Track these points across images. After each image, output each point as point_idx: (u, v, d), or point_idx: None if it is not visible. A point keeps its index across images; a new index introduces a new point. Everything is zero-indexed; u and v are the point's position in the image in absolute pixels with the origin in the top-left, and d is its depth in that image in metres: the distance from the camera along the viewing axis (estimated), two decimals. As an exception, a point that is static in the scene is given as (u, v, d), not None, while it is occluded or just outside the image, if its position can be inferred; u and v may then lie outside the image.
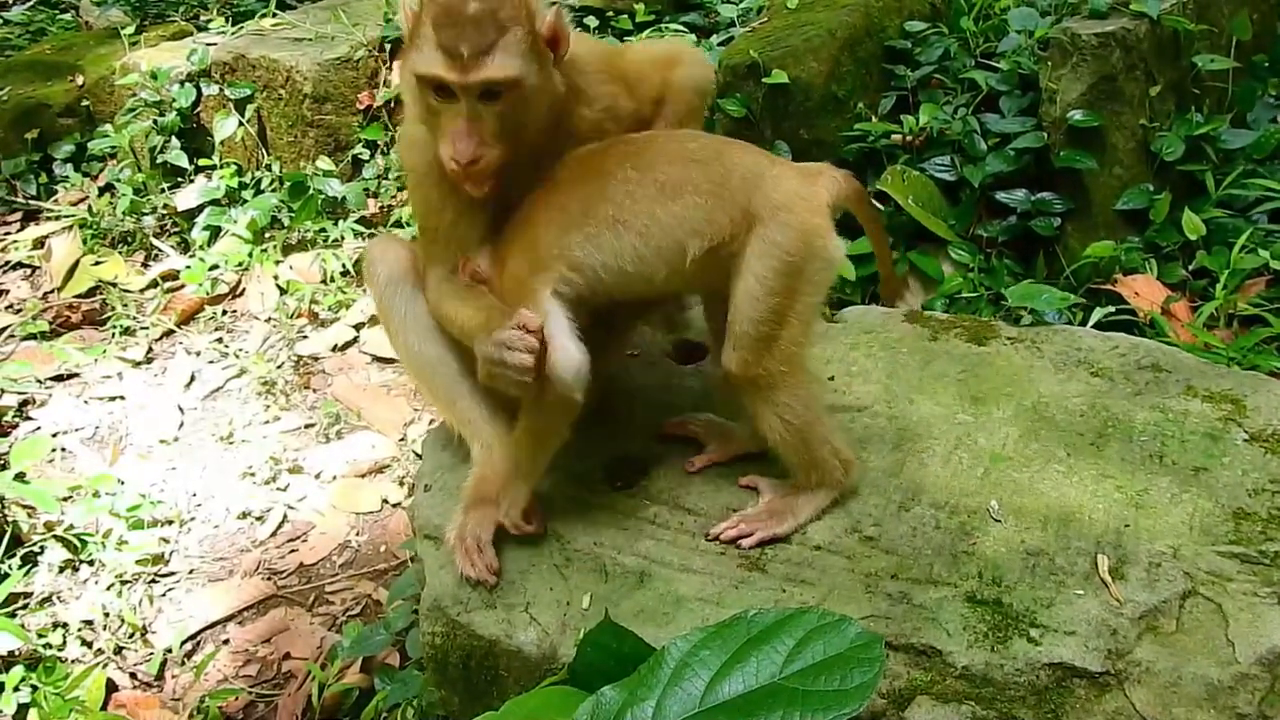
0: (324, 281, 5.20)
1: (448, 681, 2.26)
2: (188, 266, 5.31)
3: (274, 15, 6.14)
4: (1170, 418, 2.32)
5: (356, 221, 5.29)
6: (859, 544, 2.14)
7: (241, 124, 5.47)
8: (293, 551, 3.99)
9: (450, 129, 2.12)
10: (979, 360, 2.50)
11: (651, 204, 2.14)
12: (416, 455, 4.27)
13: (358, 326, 4.97)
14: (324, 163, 5.38)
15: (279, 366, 4.81)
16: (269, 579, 3.87)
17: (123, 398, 4.72)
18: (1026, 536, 2.10)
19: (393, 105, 5.62)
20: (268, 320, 5.11)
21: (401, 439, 4.39)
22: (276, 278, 5.23)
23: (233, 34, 5.86)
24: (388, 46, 5.71)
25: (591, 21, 6.37)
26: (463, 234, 2.30)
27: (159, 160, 5.68)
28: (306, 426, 4.52)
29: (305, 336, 4.97)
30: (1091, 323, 3.62)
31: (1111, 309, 4.08)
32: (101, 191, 5.85)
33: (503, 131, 2.15)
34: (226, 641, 3.66)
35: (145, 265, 5.52)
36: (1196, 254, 4.26)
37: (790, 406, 2.14)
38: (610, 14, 6.49)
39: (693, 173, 2.17)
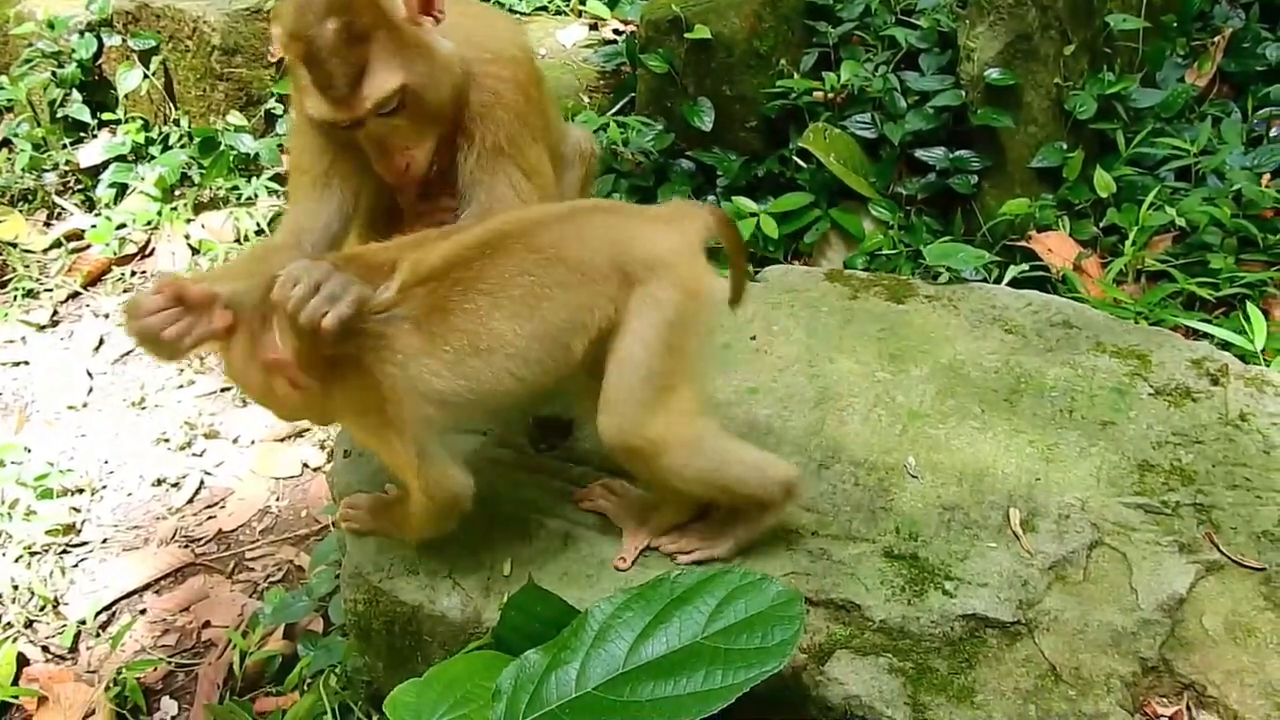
0: (238, 241, 5.06)
1: (371, 648, 2.24)
2: (93, 226, 5.14)
3: (179, -36, 5.90)
4: (1080, 374, 2.38)
5: (271, 179, 5.14)
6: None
7: (147, 77, 5.28)
8: (211, 518, 3.91)
9: (370, 151, 2.13)
10: (898, 319, 2.53)
11: (513, 322, 1.94)
12: (337, 418, 4.22)
13: (274, 287, 4.85)
14: (235, 118, 5.22)
15: (192, 329, 4.68)
16: (186, 546, 3.80)
17: (27, 363, 4.57)
18: (942, 492, 2.14)
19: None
20: (179, 281, 4.96)
21: (321, 402, 4.32)
22: (188, 237, 5.07)
23: (135, -17, 5.62)
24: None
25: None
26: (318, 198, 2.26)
27: (59, 114, 5.46)
28: (222, 390, 4.42)
29: (219, 298, 4.84)
30: (1006, 280, 3.69)
31: (1026, 266, 4.16)
32: (-2, 147, 5.63)
33: (417, 128, 2.13)
34: (143, 611, 3.59)
35: (48, 224, 5.32)
36: (1107, 211, 4.36)
37: (689, 465, 1.99)
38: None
39: (551, 272, 1.95)
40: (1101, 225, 4.37)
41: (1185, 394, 2.31)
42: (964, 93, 4.53)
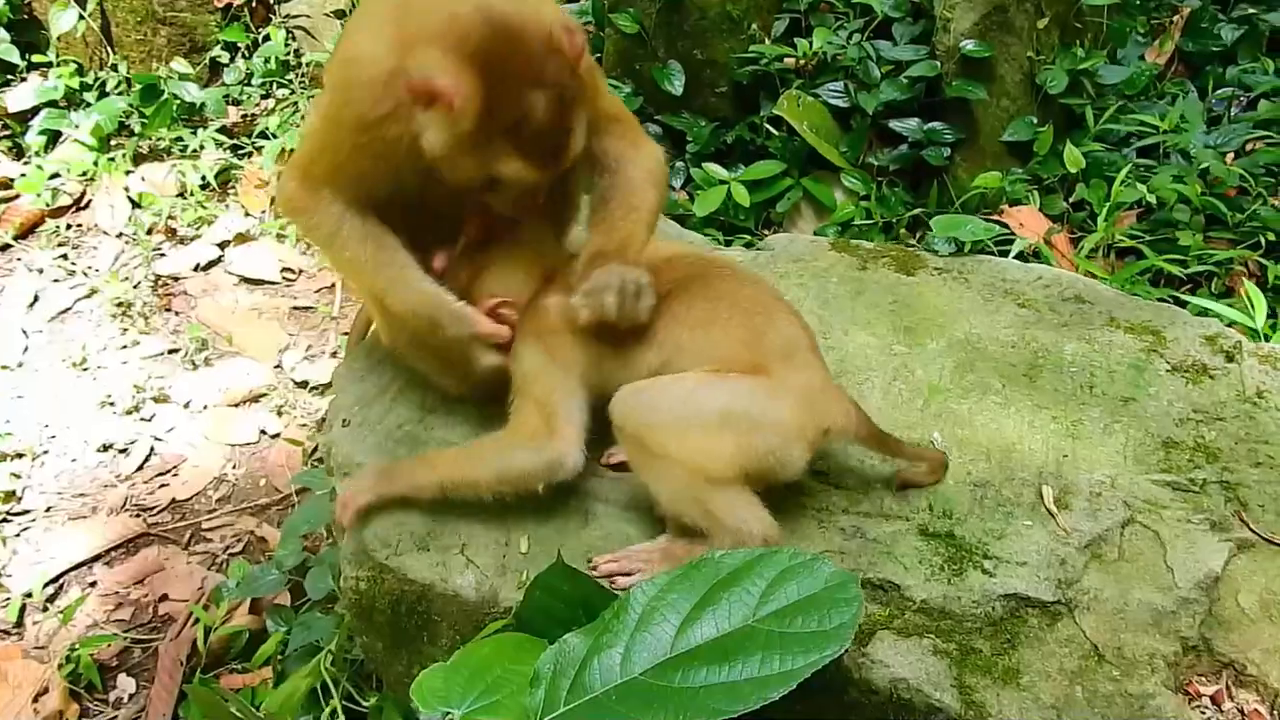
0: (181, 195, 4.82)
1: (372, 628, 2.13)
2: (23, 174, 4.84)
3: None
4: (1096, 349, 2.36)
5: (219, 130, 4.90)
6: (810, 479, 2.10)
7: (82, 17, 4.96)
8: (163, 486, 3.73)
9: (508, 201, 2.08)
10: (909, 291, 2.48)
11: (684, 329, 2.03)
12: (296, 384, 4.05)
13: (222, 245, 4.64)
14: (180, 65, 4.95)
15: (135, 287, 4.46)
16: (138, 516, 3.61)
17: (-45, 320, 4.30)
18: (971, 469, 2.10)
19: (253, 4, 5.22)
20: (119, 236, 4.71)
21: (277, 366, 4.14)
22: (127, 190, 4.81)
23: (66, -83, 5.28)
24: (248, -62, 5.27)
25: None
26: (370, 186, 2.12)
27: (-15, 55, 5.13)
28: (170, 352, 4.21)
29: (163, 254, 4.61)
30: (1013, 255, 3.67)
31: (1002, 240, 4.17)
32: (-84, 88, 5.26)
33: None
34: (94, 584, 3.41)
35: (-29, 173, 5.00)
36: (1076, 187, 4.37)
37: (683, 479, 1.93)
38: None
39: (734, 316, 2.03)
40: (1071, 201, 4.39)
41: (1202, 370, 2.30)
42: (939, 63, 4.50)
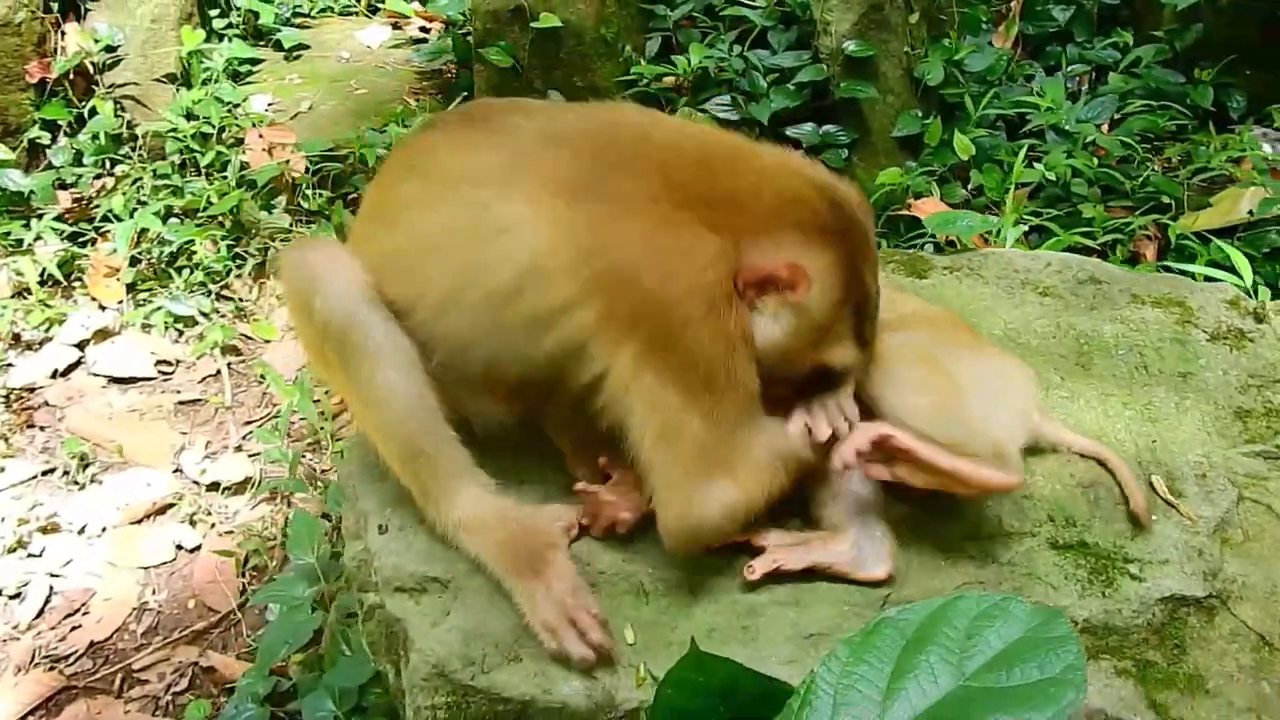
0: (19, 295, 4.26)
1: (453, 760, 1.82)
2: None
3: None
4: (1134, 328, 2.31)
5: (56, 219, 4.37)
6: (915, 508, 1.93)
7: None
8: (75, 629, 3.23)
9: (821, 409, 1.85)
10: (930, 293, 2.37)
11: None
12: (205, 487, 3.60)
13: (80, 345, 4.12)
14: (-1, 150, 4.39)
15: (-15, 405, 3.90)
16: (52, 668, 3.11)
17: None
18: (1072, 469, 2.00)
19: (72, 76, 4.70)
20: (-49, 351, 4.12)
21: (177, 470, 3.69)
22: (-49, 297, 4.22)
23: None
24: (54, 6, 4.75)
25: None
26: (750, 382, 1.80)
27: None
28: (45, 473, 3.69)
29: (11, 365, 4.05)
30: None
31: (914, 234, 4.17)
32: None
33: None
34: (19, 759, 2.90)
35: None
36: (970, 173, 4.42)
37: None
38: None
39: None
40: (969, 187, 4.44)
41: (1240, 335, 2.29)
42: (824, 67, 4.48)
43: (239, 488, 3.60)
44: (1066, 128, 4.50)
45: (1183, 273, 3.06)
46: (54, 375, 4.04)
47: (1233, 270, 2.93)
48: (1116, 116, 4.63)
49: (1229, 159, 4.27)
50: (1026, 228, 4.04)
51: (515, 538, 1.85)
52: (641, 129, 1.88)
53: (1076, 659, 1.48)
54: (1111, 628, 1.76)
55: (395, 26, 5.51)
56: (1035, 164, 4.28)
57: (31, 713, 3.00)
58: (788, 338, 1.80)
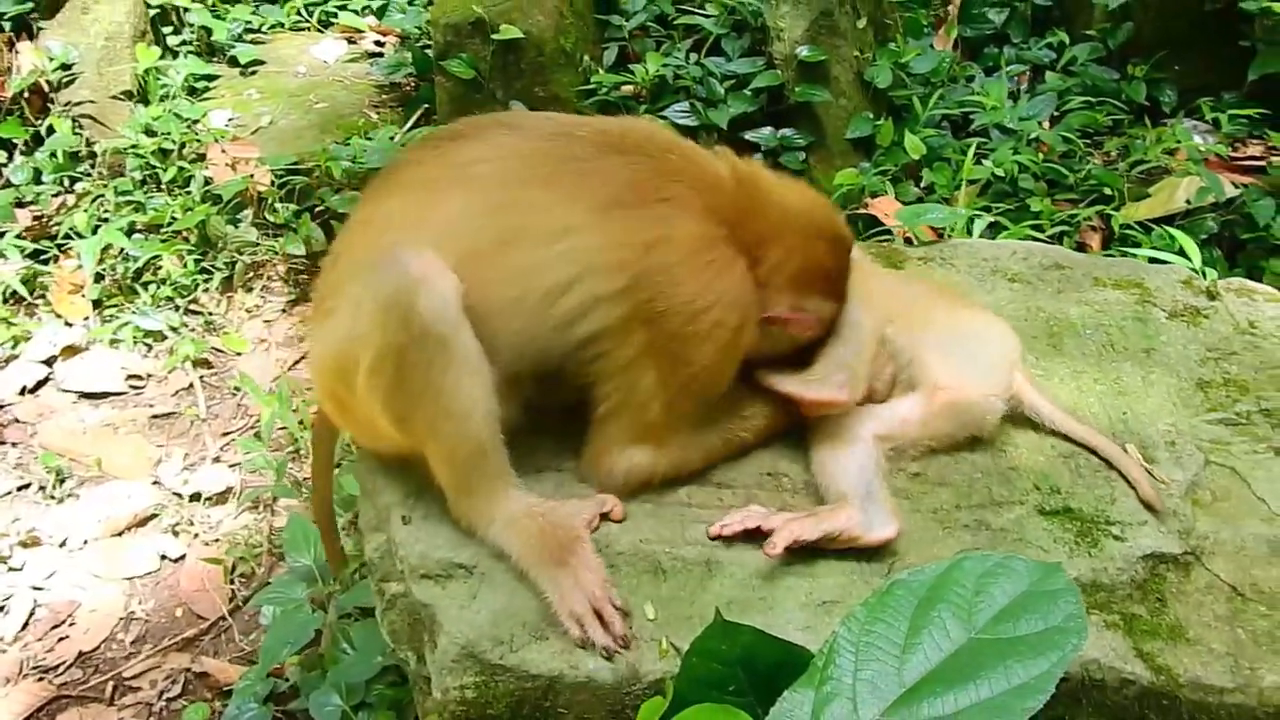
0: (-17, 315, 4.23)
1: (481, 741, 1.89)
2: None
3: None
4: (1097, 309, 2.45)
5: (18, 237, 4.34)
6: (909, 482, 2.06)
7: None
8: (62, 640, 3.24)
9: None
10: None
11: None
12: (187, 498, 3.62)
13: (48, 361, 4.11)
14: (-44, 171, 4.35)
15: (-46, 424, 3.87)
16: (41, 679, 3.12)
17: None
18: (1054, 441, 2.13)
19: (27, 95, 4.67)
20: (-85, 370, 4.08)
21: (155, 482, 3.70)
22: (-94, 323, 4.18)
23: None
24: (6, 25, 4.72)
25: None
26: (721, 387, 2.06)
27: None
28: (20, 489, 3.68)
29: (-23, 383, 4.02)
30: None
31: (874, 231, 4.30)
32: None
33: None
34: (15, 771, 2.90)
35: None
36: (922, 172, 4.58)
37: None
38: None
39: None
40: (921, 185, 4.59)
41: (1196, 312, 2.44)
42: (779, 72, 4.61)
43: (220, 498, 3.63)
44: (1010, 125, 4.67)
45: (1133, 257, 3.22)
46: (22, 392, 4.02)
47: (1181, 255, 3.10)
48: (1056, 113, 4.82)
49: (1164, 151, 4.48)
50: (982, 222, 4.20)
51: (544, 531, 1.93)
52: (667, 143, 2.08)
53: (1076, 608, 1.60)
54: (1099, 585, 1.89)
55: (350, 41, 5.54)
56: (983, 161, 4.44)
57: (25, 723, 3.01)
58: (779, 347, 2.11)
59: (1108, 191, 4.34)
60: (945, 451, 2.14)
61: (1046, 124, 4.80)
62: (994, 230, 4.29)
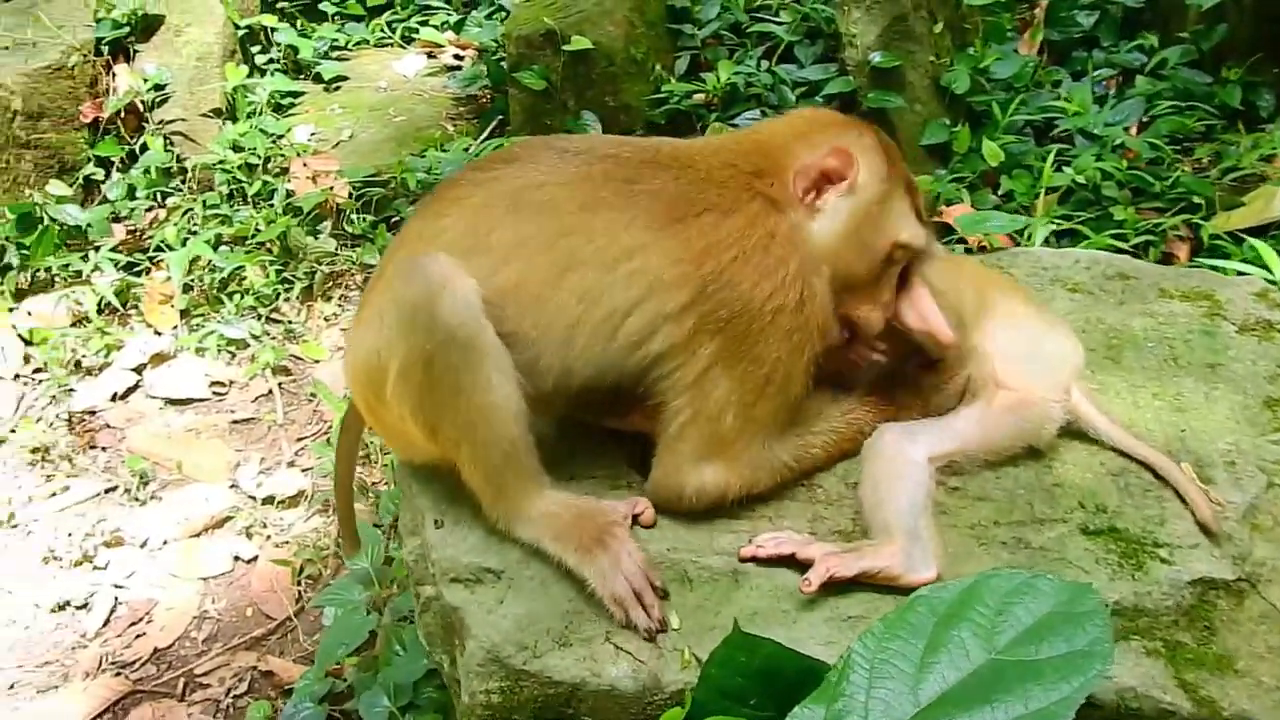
0: (79, 324, 4.43)
1: (506, 745, 1.90)
2: (-105, 333, 4.36)
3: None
4: (1162, 321, 2.36)
5: (113, 250, 4.53)
6: (947, 496, 2.01)
7: (-65, 154, 4.53)
8: (139, 637, 3.35)
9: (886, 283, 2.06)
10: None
11: None
12: (260, 501, 3.72)
13: (138, 369, 4.27)
14: (56, 187, 4.56)
15: (50, 428, 4.04)
16: (119, 674, 3.23)
17: None
18: (1103, 458, 2.05)
19: (123, 114, 4.87)
20: (16, 378, 4.28)
21: (233, 485, 3.81)
22: (15, 328, 4.38)
23: (-99, 48, 4.84)
24: (105, 49, 4.93)
25: (328, 7, 5.85)
26: (801, 389, 2.00)
27: None
28: (108, 491, 3.83)
29: (73, 390, 4.20)
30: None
31: (945, 240, 4.21)
32: None
33: None
34: (89, 760, 3.02)
35: None
36: (1000, 179, 4.47)
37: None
38: (338, -1, 5.98)
39: None
40: (999, 193, 4.48)
41: (1269, 326, 2.34)
42: (851, 79, 4.55)
43: (292, 501, 3.72)
44: (1095, 131, 4.54)
45: (1214, 269, 3.10)
46: (114, 398, 4.19)
47: (1265, 269, 2.96)
48: (1145, 119, 4.65)
49: (1260, 158, 4.29)
50: (1055, 229, 4.08)
51: (581, 519, 1.95)
52: (691, 150, 2.08)
53: (1103, 632, 1.54)
54: (1141, 609, 1.81)
55: (430, 55, 5.66)
56: (1064, 168, 4.32)
57: (100, 715, 3.12)
58: (856, 222, 2.00)
59: (1196, 200, 4.17)
60: (995, 466, 2.08)
61: (1134, 130, 4.64)
62: (1073, 239, 4.18)
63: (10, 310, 4.46)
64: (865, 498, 2.01)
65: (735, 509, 2.00)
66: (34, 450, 3.95)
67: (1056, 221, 4.21)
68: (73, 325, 4.42)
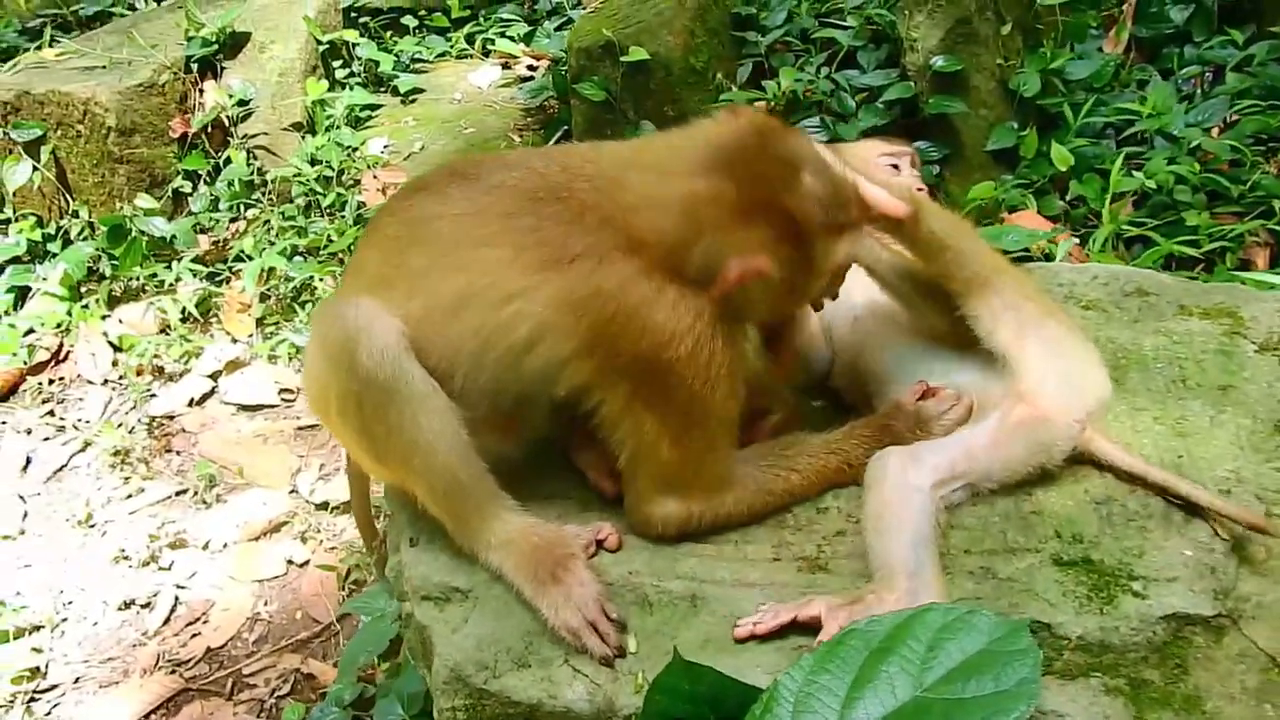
0: (163, 331, 4.66)
1: (474, 758, 1.95)
2: (-5, 336, 4.66)
3: (53, 44, 5.48)
4: (1176, 340, 2.26)
5: (194, 261, 4.76)
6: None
7: (36, 169, 4.83)
8: (195, 636, 3.52)
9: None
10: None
11: None
12: (315, 507, 3.86)
13: (214, 376, 4.48)
14: (144, 200, 4.81)
15: (130, 432, 4.28)
16: (173, 672, 3.40)
17: (-52, 495, 4.09)
18: (1088, 485, 1.98)
19: (209, 129, 5.11)
20: (105, 383, 4.54)
21: (292, 491, 3.96)
22: (106, 335, 4.65)
23: (9, 70, 5.17)
24: (194, 66, 5.18)
25: (410, 21, 6.01)
26: (730, 411, 1.97)
27: (-62, 222, 4.98)
28: (178, 494, 4.03)
29: (154, 395, 4.43)
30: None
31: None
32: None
33: None
34: (139, 753, 3.19)
35: (-57, 342, 4.81)
36: (1069, 184, 4.32)
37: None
38: (423, 12, 6.14)
39: None
40: (1067, 199, 4.33)
41: (1291, 347, 2.21)
42: (912, 84, 4.47)
43: (345, 507, 3.84)
44: (1174, 132, 4.34)
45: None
46: (190, 404, 4.40)
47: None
48: (1230, 118, 4.43)
49: (1349, 159, 4.05)
50: (1124, 235, 3.93)
51: (538, 550, 1.98)
52: (569, 174, 1.99)
53: (1031, 672, 1.50)
54: (1107, 645, 1.74)
55: (505, 66, 5.76)
56: (1136, 172, 4.15)
57: (153, 712, 3.29)
58: (790, 291, 1.95)
59: (1277, 205, 3.96)
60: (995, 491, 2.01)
61: (1217, 130, 4.42)
62: (1145, 246, 4.01)
63: (103, 318, 4.72)
64: (866, 531, 1.94)
65: (702, 535, 2.00)
66: (115, 453, 4.18)
67: (1127, 228, 4.07)
68: (158, 332, 4.66)
